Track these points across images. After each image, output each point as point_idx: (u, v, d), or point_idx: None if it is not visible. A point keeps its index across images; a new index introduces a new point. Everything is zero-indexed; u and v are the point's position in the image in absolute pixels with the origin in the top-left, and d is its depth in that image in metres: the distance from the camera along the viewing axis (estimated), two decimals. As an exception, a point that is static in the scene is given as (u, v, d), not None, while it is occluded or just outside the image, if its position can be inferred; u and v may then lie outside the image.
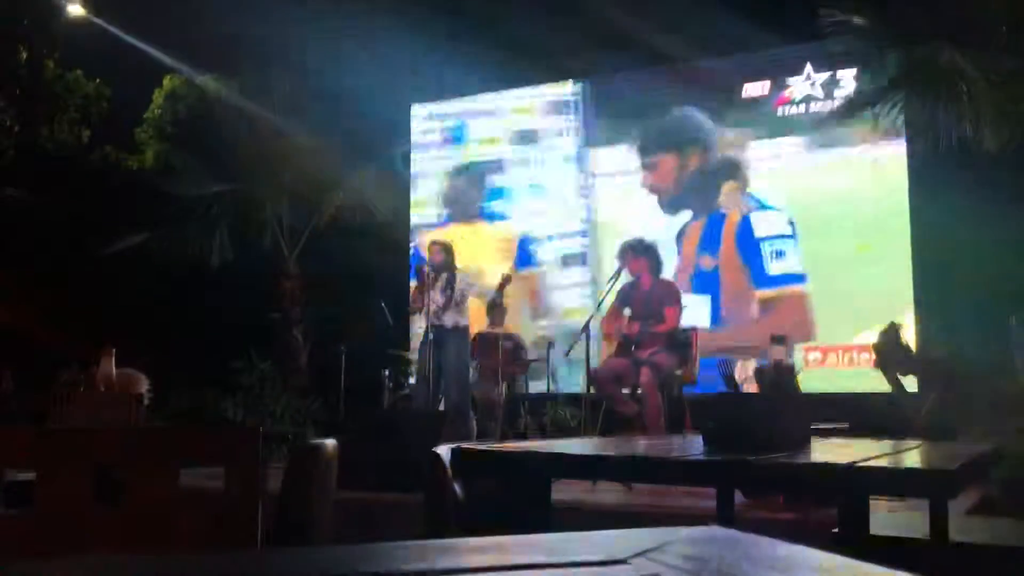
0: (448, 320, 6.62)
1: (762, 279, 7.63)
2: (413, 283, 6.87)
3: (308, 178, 9.27)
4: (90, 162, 11.89)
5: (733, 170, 7.92)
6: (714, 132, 8.04)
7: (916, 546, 1.98)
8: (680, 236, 8.03)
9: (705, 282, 7.81)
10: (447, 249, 6.78)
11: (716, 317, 7.71)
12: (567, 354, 6.32)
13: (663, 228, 7.88)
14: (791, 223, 7.70)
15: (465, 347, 6.80)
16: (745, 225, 7.80)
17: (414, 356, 7.75)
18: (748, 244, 7.71)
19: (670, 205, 8.23)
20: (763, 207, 7.78)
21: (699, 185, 8.04)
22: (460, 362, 6.65)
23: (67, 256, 9.61)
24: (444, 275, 6.66)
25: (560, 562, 0.57)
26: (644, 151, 8.34)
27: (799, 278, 7.58)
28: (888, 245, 7.64)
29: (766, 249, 7.58)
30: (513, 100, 8.99)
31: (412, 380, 7.74)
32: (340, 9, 8.37)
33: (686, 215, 8.14)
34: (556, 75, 9.04)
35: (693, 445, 2.04)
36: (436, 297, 6.60)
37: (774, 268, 7.54)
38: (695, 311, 7.19)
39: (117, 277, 9.22)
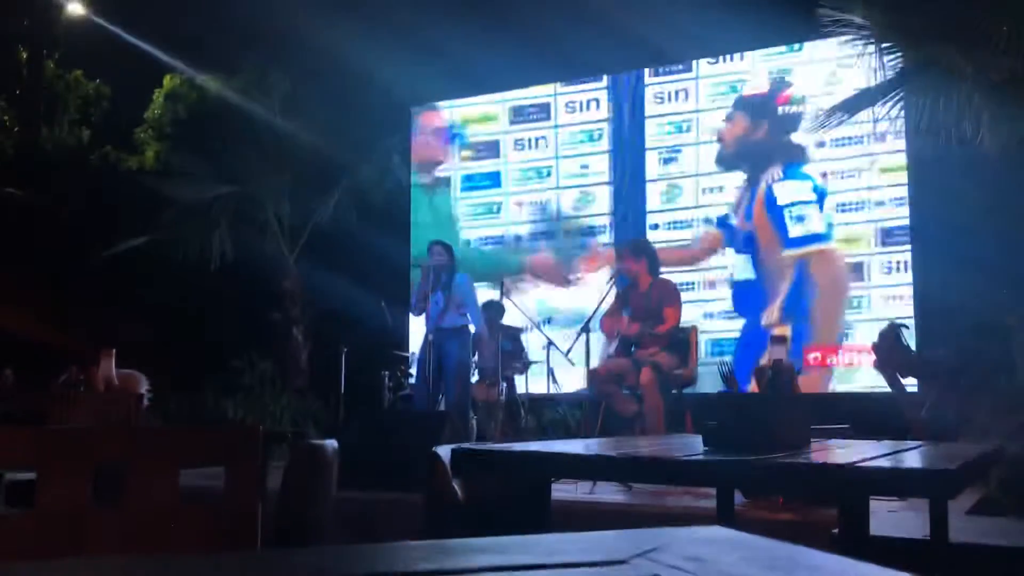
0: (449, 321, 6.65)
1: (787, 241, 7.92)
2: (416, 280, 6.87)
3: (308, 178, 9.28)
4: (90, 162, 11.91)
5: (795, 153, 7.99)
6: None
7: (916, 546, 1.98)
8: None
9: (745, 242, 8.11)
10: (448, 250, 6.81)
11: (757, 271, 8.03)
12: (567, 354, 6.33)
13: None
14: (816, 190, 7.84)
15: (466, 347, 6.83)
16: (769, 193, 8.02)
17: (414, 356, 7.75)
18: (774, 210, 7.99)
19: (722, 162, 8.29)
20: (788, 177, 7.96)
21: (754, 153, 8.17)
22: (461, 362, 6.67)
23: (67, 256, 9.61)
24: (443, 276, 6.69)
25: (559, 562, 0.58)
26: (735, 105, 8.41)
27: (822, 237, 7.77)
28: (888, 245, 7.65)
29: (787, 214, 7.91)
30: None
31: (412, 380, 7.74)
32: (340, 9, 8.38)
33: (735, 177, 8.24)
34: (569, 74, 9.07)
35: (693, 445, 2.04)
36: (437, 298, 6.63)
37: (795, 231, 7.88)
38: (741, 267, 7.96)
39: (117, 277, 9.23)
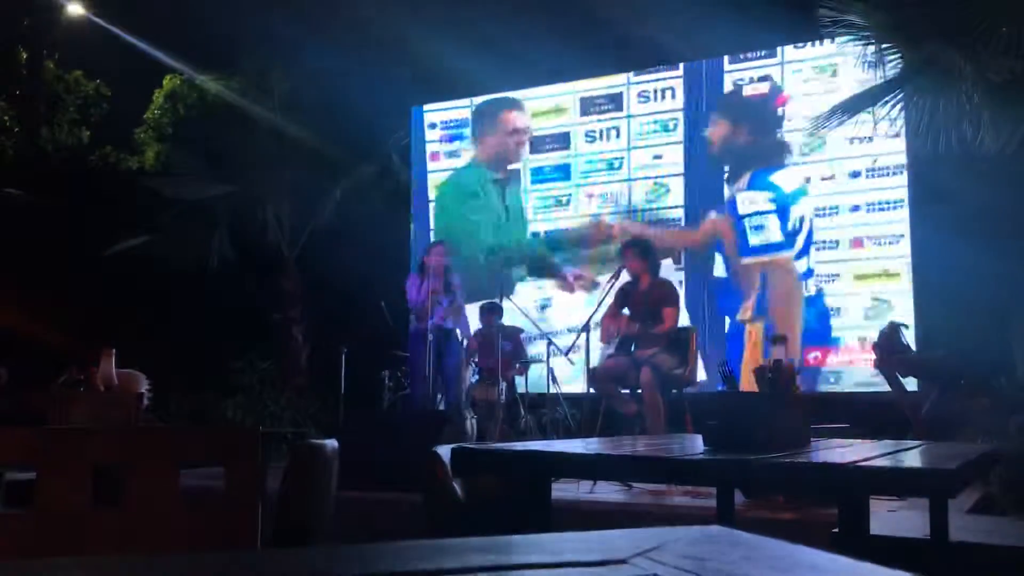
0: (451, 322, 6.72)
1: (745, 250, 8.00)
2: (416, 281, 6.86)
3: (308, 178, 9.27)
4: (90, 162, 11.91)
5: (781, 154, 8.03)
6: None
7: (916, 546, 1.98)
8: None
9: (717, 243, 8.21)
10: (449, 251, 6.86)
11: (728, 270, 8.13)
12: (567, 354, 6.33)
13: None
14: (774, 200, 7.89)
15: (460, 348, 6.89)
16: (732, 202, 8.08)
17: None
18: (736, 219, 8.08)
19: (715, 160, 8.35)
20: (752, 187, 8.00)
21: (736, 156, 8.23)
22: (459, 363, 6.76)
23: (67, 256, 9.61)
24: (446, 277, 6.73)
25: (560, 562, 0.58)
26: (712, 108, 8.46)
27: (778, 247, 7.86)
28: (888, 245, 7.66)
29: (747, 224, 8.00)
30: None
31: (403, 380, 7.76)
32: (340, 8, 8.38)
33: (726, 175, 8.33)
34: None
35: (693, 445, 2.04)
36: (439, 298, 6.66)
37: (753, 240, 7.98)
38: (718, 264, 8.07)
39: (117, 277, 9.22)
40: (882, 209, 7.72)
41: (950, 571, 1.93)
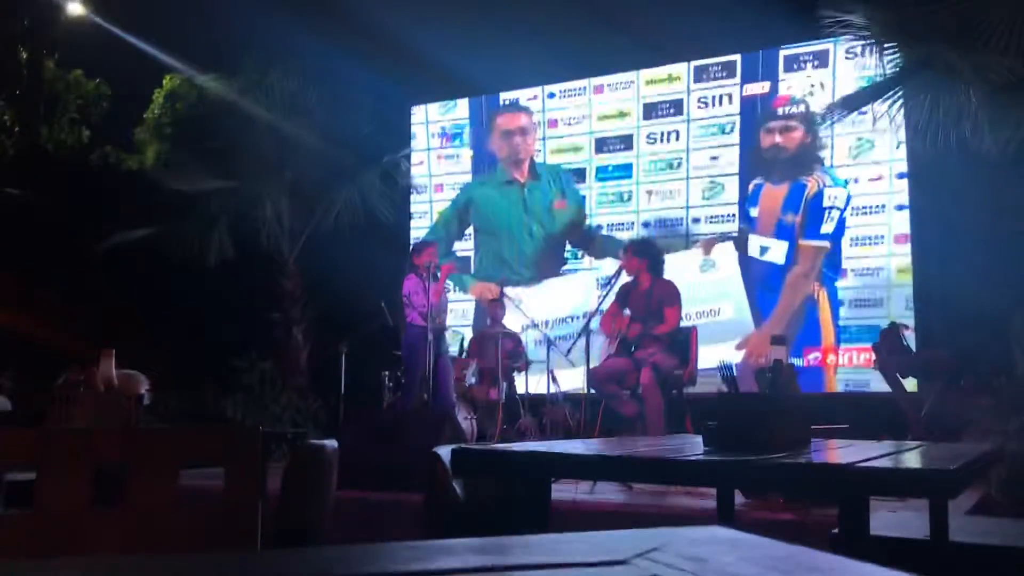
0: (444, 322, 6.79)
1: (811, 234, 8.21)
2: (417, 283, 6.86)
3: (308, 178, 9.27)
4: (90, 162, 11.91)
5: (820, 150, 8.23)
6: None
7: (916, 546, 1.98)
8: (756, 196, 8.46)
9: (784, 232, 8.32)
10: (436, 252, 6.96)
11: (790, 256, 8.23)
12: (567, 354, 6.33)
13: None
14: (848, 197, 8.08)
15: (447, 347, 7.11)
16: (819, 195, 8.20)
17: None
18: (816, 209, 8.24)
19: (751, 172, 8.53)
20: (835, 183, 8.17)
21: (792, 158, 8.44)
22: (447, 362, 6.83)
23: (67, 256, 9.60)
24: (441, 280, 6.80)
25: (560, 562, 0.58)
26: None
27: (826, 236, 8.08)
28: (888, 245, 7.66)
29: (824, 215, 8.22)
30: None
31: (402, 380, 7.76)
32: (341, 8, 8.37)
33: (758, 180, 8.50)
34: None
35: (693, 445, 2.04)
36: (434, 299, 6.68)
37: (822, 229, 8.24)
38: (776, 251, 8.28)
39: (117, 277, 9.22)
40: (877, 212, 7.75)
41: (950, 572, 1.93)
